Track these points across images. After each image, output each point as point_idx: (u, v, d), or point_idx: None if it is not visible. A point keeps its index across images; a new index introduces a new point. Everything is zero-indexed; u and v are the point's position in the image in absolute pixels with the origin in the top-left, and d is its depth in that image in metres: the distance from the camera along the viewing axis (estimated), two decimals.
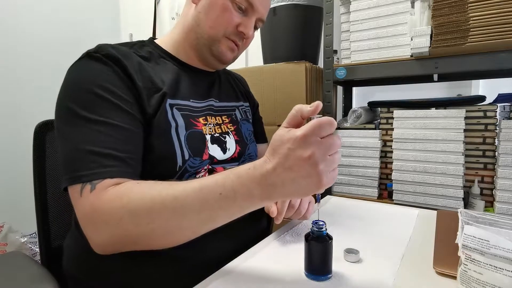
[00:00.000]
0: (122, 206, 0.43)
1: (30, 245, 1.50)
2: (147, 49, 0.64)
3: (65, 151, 0.48)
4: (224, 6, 0.62)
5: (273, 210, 0.59)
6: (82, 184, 0.45)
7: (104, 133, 0.47)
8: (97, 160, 0.46)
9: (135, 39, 2.11)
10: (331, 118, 0.38)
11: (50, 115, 0.72)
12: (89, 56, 0.53)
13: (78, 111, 0.48)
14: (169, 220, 0.43)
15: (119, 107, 0.50)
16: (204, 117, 0.64)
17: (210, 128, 0.64)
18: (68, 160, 0.47)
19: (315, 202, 0.48)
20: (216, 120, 0.67)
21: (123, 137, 0.49)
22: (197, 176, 0.59)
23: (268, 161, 0.40)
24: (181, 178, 0.57)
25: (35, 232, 1.49)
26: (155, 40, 0.69)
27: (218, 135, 0.65)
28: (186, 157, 0.57)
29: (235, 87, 0.80)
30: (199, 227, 0.44)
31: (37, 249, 1.39)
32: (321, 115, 0.40)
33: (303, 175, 0.38)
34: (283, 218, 0.60)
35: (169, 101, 0.58)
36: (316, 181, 0.38)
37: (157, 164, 0.54)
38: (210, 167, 0.61)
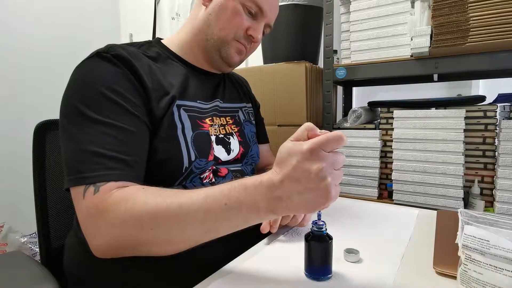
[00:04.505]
0: (126, 210, 0.42)
1: (30, 245, 1.50)
2: (155, 49, 0.64)
3: (69, 151, 0.47)
4: (235, 10, 0.63)
5: (263, 226, 0.58)
6: (86, 186, 0.44)
7: (109, 135, 0.47)
8: (102, 162, 0.45)
9: (135, 39, 2.12)
10: (340, 134, 0.38)
11: (50, 115, 0.73)
12: (98, 55, 0.53)
13: (84, 111, 0.48)
14: (172, 228, 0.42)
15: (126, 109, 0.50)
16: (210, 118, 0.65)
17: (215, 129, 0.65)
18: (71, 160, 0.47)
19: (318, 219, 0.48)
20: (220, 121, 0.67)
21: (129, 140, 0.49)
22: (202, 176, 0.59)
23: (275, 173, 0.39)
24: (186, 179, 0.57)
25: (35, 232, 1.49)
26: (161, 41, 0.69)
27: (222, 136, 0.66)
28: (193, 158, 0.57)
29: (238, 89, 0.81)
30: (201, 236, 0.44)
31: (37, 249, 1.39)
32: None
33: (311, 188, 0.37)
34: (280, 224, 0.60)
35: (177, 102, 0.58)
36: (324, 194, 0.37)
37: (163, 165, 0.54)
38: (214, 167, 0.61)
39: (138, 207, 0.42)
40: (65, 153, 0.48)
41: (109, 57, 0.53)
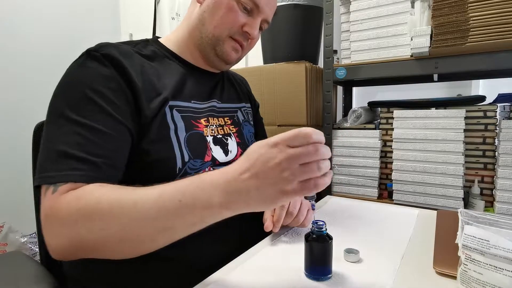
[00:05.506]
0: (78, 210, 0.41)
1: (30, 245, 1.50)
2: (151, 48, 0.63)
3: (42, 149, 0.47)
4: (229, 6, 0.62)
5: (267, 225, 0.58)
6: (48, 186, 0.44)
7: (81, 136, 0.46)
8: (68, 163, 0.44)
9: (135, 39, 2.11)
10: (309, 131, 0.36)
11: None
12: (88, 54, 0.53)
13: (63, 111, 0.48)
14: (124, 227, 0.40)
15: (105, 111, 0.49)
16: (205, 118, 0.64)
17: (212, 130, 0.64)
18: (42, 159, 0.46)
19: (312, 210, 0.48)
20: (218, 121, 0.67)
21: (101, 142, 0.48)
22: None
23: (236, 167, 0.38)
24: None
25: (35, 232, 1.49)
26: (159, 39, 0.68)
27: (220, 136, 0.65)
28: (186, 159, 0.56)
29: (238, 88, 0.80)
30: (156, 237, 0.41)
31: (37, 249, 1.39)
32: None
33: (268, 182, 0.36)
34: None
35: (169, 103, 0.57)
36: (279, 189, 0.36)
37: (156, 167, 0.54)
38: (212, 168, 0.61)
39: (90, 206, 0.41)
40: (40, 151, 0.47)
41: (98, 56, 0.52)
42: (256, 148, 0.38)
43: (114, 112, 0.50)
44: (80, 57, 0.54)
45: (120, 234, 0.41)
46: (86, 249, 0.42)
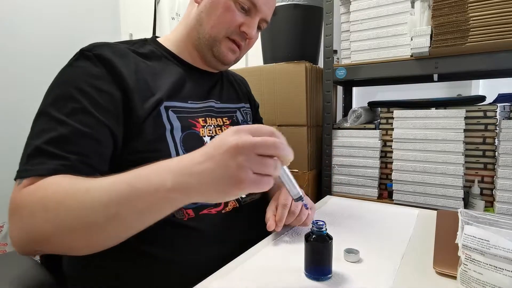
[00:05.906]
0: (36, 200, 0.41)
1: None
2: (149, 47, 0.63)
3: (24, 145, 0.48)
4: (226, 6, 0.61)
5: (269, 224, 0.58)
6: (17, 180, 0.45)
7: (60, 133, 0.46)
8: (40, 158, 0.45)
9: (135, 39, 2.11)
10: (273, 128, 0.37)
11: None
12: (81, 53, 0.53)
13: (47, 108, 0.48)
14: (75, 215, 0.39)
15: (87, 111, 0.49)
16: (203, 118, 0.64)
17: (209, 130, 0.64)
18: (22, 154, 0.47)
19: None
20: (217, 121, 0.67)
21: (79, 140, 0.47)
22: None
23: (196, 152, 0.38)
24: None
25: None
26: (158, 39, 0.68)
27: None
28: None
29: (237, 88, 0.80)
30: (106, 226, 0.39)
31: None
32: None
33: (221, 164, 0.35)
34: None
35: (164, 103, 0.57)
36: (233, 175, 0.35)
37: None
38: None
39: (47, 197, 0.41)
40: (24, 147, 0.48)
41: (90, 56, 0.52)
42: (220, 135, 0.38)
43: (96, 112, 0.50)
44: (73, 56, 0.54)
45: (71, 223, 0.39)
46: (43, 242, 0.41)
